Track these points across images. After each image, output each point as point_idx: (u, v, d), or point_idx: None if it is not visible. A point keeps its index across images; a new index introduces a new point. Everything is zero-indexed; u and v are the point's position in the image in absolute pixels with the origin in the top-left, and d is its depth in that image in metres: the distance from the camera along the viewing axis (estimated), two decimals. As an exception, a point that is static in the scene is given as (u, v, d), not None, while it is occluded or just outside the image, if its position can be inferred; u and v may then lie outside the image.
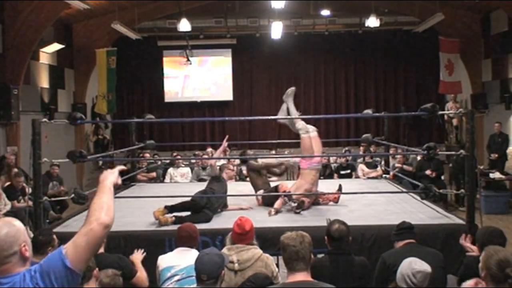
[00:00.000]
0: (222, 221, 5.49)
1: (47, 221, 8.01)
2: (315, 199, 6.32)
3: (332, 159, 11.53)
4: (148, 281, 4.22)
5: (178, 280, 3.79)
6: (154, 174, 10.37)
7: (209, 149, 12.30)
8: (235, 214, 5.19)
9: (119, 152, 12.17)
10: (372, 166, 10.04)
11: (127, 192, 7.85)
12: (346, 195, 6.61)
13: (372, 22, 12.81)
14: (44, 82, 12.37)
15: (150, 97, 17.00)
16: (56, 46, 12.34)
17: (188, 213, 5.59)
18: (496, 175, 10.56)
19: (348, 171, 10.68)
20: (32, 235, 4.02)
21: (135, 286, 4.07)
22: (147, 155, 10.77)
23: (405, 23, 14.90)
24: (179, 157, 11.28)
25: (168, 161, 11.28)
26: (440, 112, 7.50)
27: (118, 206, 6.64)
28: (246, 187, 7.26)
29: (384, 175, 9.38)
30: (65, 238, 4.26)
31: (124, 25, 12.60)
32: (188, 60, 15.07)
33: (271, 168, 7.04)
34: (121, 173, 2.37)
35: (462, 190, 5.69)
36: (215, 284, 3.04)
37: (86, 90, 14.32)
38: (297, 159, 6.92)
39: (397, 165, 10.19)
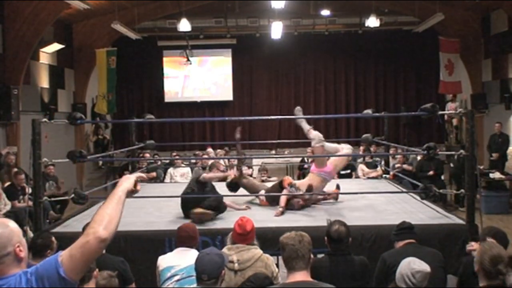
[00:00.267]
0: (222, 221, 5.49)
1: (47, 221, 8.01)
2: (314, 201, 6.31)
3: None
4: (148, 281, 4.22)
5: (178, 280, 3.79)
6: (154, 174, 10.37)
7: (209, 149, 12.30)
8: (235, 215, 5.20)
9: (119, 152, 12.19)
10: (372, 166, 10.03)
11: (127, 192, 7.84)
12: (346, 195, 6.61)
13: (372, 22, 12.82)
14: (44, 82, 12.37)
15: (150, 97, 17.00)
16: (56, 46, 12.35)
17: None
18: (496, 175, 10.56)
19: (348, 171, 10.65)
20: (32, 235, 4.02)
21: None
22: (147, 155, 10.76)
23: (405, 23, 14.90)
24: (178, 157, 11.27)
25: (168, 161, 11.27)
26: (440, 112, 7.49)
27: (118, 206, 6.63)
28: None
29: (384, 175, 9.38)
30: (65, 238, 4.29)
31: (124, 25, 12.60)
32: (188, 60, 15.06)
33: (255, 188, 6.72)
34: (122, 171, 2.36)
35: (462, 190, 5.68)
36: (215, 284, 3.04)
37: (86, 90, 14.32)
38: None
39: (398, 165, 10.19)
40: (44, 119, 6.01)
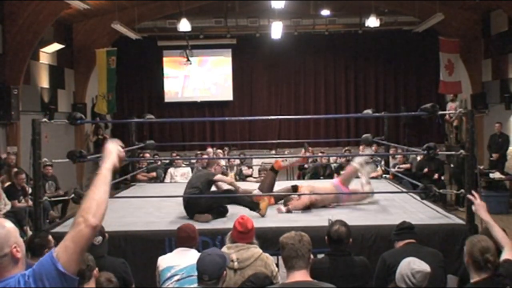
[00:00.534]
0: (222, 221, 5.49)
1: (47, 221, 8.02)
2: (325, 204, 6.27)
3: (332, 159, 11.53)
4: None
5: (178, 280, 3.80)
6: (154, 174, 10.38)
7: (209, 149, 12.30)
8: (235, 215, 5.20)
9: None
10: (372, 166, 10.02)
11: (127, 192, 7.86)
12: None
13: (372, 22, 12.81)
14: (44, 82, 12.37)
15: (150, 97, 17.00)
16: (56, 46, 12.34)
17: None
18: (496, 175, 10.56)
19: (348, 171, 10.65)
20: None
21: None
22: (147, 155, 10.77)
23: (405, 23, 14.89)
24: (178, 157, 11.27)
25: (168, 161, 11.28)
26: (440, 112, 7.49)
27: (118, 206, 6.68)
28: (246, 187, 7.24)
29: (384, 175, 9.38)
30: (65, 238, 4.29)
31: (124, 25, 12.60)
32: (188, 60, 15.06)
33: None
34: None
35: (462, 190, 5.68)
36: (216, 285, 3.04)
37: (86, 90, 14.32)
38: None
39: (401, 166, 10.16)
40: (44, 119, 6.02)
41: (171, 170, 10.54)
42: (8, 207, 8.24)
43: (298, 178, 11.77)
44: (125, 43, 14.80)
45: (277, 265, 3.97)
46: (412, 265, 3.14)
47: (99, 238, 3.93)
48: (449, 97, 14.91)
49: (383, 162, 9.28)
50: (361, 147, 11.55)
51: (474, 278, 3.03)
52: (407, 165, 10.29)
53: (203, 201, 5.63)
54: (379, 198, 6.63)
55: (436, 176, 9.92)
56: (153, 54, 16.28)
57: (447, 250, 4.75)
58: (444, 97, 15.55)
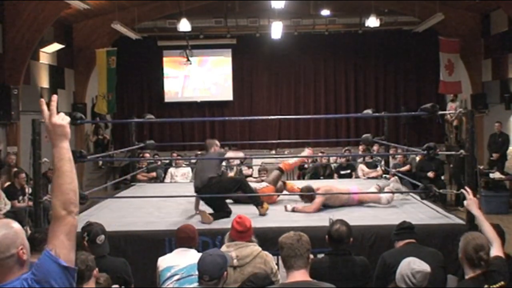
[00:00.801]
0: (221, 221, 5.49)
1: (47, 221, 8.01)
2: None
3: (332, 159, 11.53)
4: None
5: (178, 279, 3.81)
6: (154, 174, 10.38)
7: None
8: (234, 215, 5.20)
9: (119, 152, 12.18)
10: (372, 166, 10.03)
11: (127, 192, 7.86)
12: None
13: (372, 22, 12.81)
14: (44, 82, 12.37)
15: (150, 97, 16.99)
16: (56, 46, 12.35)
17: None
18: (496, 175, 10.56)
19: (348, 171, 10.67)
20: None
21: None
22: (147, 155, 10.77)
23: (405, 23, 14.90)
24: (179, 157, 11.27)
25: (168, 161, 11.28)
26: (440, 112, 7.49)
27: (118, 206, 6.69)
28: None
29: (384, 175, 9.38)
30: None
31: (124, 25, 12.60)
32: (188, 60, 15.06)
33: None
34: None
35: (462, 190, 5.68)
36: (217, 285, 3.04)
37: (86, 90, 14.32)
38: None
39: (403, 168, 10.14)
40: (43, 120, 6.02)
41: (171, 170, 10.54)
42: (8, 207, 8.25)
43: (298, 178, 11.77)
44: (125, 43, 14.80)
45: (277, 265, 3.97)
46: (412, 265, 3.14)
47: (102, 237, 3.93)
48: (449, 97, 14.90)
49: (383, 162, 9.27)
50: (360, 147, 11.57)
51: (469, 274, 3.12)
52: (407, 167, 10.27)
53: (214, 182, 5.64)
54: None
55: (431, 174, 9.86)
56: (153, 54, 16.27)
57: (447, 250, 4.74)
58: (444, 97, 15.54)
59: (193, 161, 11.16)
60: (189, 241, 4.06)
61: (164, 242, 4.96)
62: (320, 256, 3.96)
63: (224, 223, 5.28)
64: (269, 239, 4.63)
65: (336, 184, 7.11)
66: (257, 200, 5.85)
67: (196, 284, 3.23)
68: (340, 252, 3.79)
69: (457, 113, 9.72)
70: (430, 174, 9.79)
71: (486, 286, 3.06)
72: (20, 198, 8.52)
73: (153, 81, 16.70)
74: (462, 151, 5.55)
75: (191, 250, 4.01)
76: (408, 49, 16.28)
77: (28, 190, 7.66)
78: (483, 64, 13.62)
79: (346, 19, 15.05)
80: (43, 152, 5.52)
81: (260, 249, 3.86)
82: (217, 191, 5.61)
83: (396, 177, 6.91)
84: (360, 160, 10.94)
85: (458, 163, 9.71)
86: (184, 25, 12.66)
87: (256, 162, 11.67)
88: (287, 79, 16.90)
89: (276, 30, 13.65)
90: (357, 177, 10.07)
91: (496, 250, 3.30)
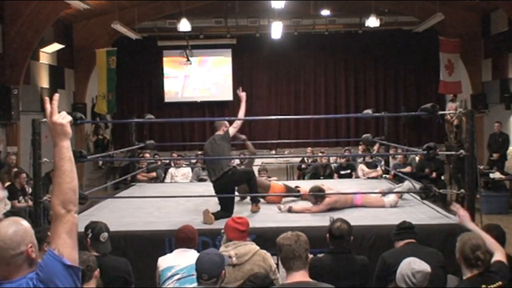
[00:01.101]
0: (222, 221, 5.47)
1: (47, 221, 8.01)
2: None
3: (332, 159, 11.53)
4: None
5: (179, 279, 3.81)
6: (154, 174, 10.37)
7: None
8: (234, 214, 5.21)
9: (119, 152, 12.18)
10: (372, 166, 10.03)
11: (127, 192, 7.86)
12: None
13: (372, 22, 12.81)
14: (44, 82, 12.37)
15: (150, 97, 17.00)
16: (56, 46, 12.35)
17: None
18: (496, 175, 10.56)
19: (348, 171, 10.67)
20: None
21: None
22: (147, 155, 10.77)
23: (405, 23, 14.89)
24: (179, 157, 11.27)
25: (168, 161, 11.28)
26: (440, 112, 7.49)
27: (118, 206, 6.68)
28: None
29: (384, 175, 9.38)
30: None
31: (124, 25, 12.60)
32: (188, 60, 15.06)
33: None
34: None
35: (462, 190, 5.68)
36: (215, 284, 3.05)
37: (86, 90, 14.32)
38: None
39: (401, 170, 10.12)
40: (44, 119, 6.01)
41: (172, 170, 10.54)
42: (8, 207, 8.24)
43: (298, 178, 11.78)
44: (125, 43, 14.80)
45: (277, 265, 3.98)
46: (413, 265, 3.14)
47: (105, 234, 3.94)
48: (449, 97, 14.90)
49: (383, 162, 9.28)
50: (360, 147, 11.57)
51: (467, 274, 3.14)
52: (408, 169, 10.25)
53: (230, 174, 5.73)
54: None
55: (434, 175, 9.89)
56: (153, 54, 16.28)
57: (447, 250, 4.74)
58: (444, 97, 15.54)
59: (193, 161, 11.18)
60: (188, 241, 4.06)
61: (164, 242, 4.96)
62: (321, 255, 3.96)
63: (224, 224, 5.28)
64: (269, 239, 4.62)
65: (338, 185, 7.10)
66: (256, 196, 5.89)
67: (196, 284, 3.23)
68: (341, 250, 3.80)
69: (457, 113, 9.72)
70: (427, 171, 9.79)
71: (484, 286, 3.06)
72: (20, 198, 8.51)
73: (153, 81, 16.71)
74: (462, 151, 5.56)
75: (191, 250, 4.01)
76: (408, 49, 16.28)
77: (28, 190, 7.66)
78: (483, 64, 13.62)
79: (346, 19, 15.05)
80: (43, 152, 5.53)
81: (258, 247, 3.88)
82: (230, 183, 5.78)
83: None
84: (360, 160, 10.94)
85: (458, 163, 9.70)
86: (184, 25, 12.66)
87: (256, 162, 11.66)
88: (287, 79, 16.90)
89: (276, 30, 13.65)
90: (357, 177, 10.06)
91: (499, 256, 3.31)
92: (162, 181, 10.44)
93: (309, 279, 2.93)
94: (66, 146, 2.00)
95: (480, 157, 11.94)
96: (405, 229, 4.11)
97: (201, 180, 10.02)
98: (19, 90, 10.26)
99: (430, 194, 5.65)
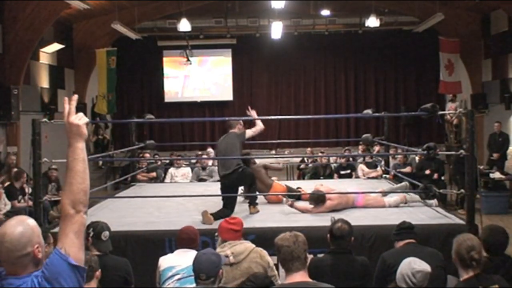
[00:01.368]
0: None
1: (47, 221, 8.02)
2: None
3: (332, 159, 11.53)
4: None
5: (179, 279, 3.82)
6: (154, 174, 10.37)
7: (209, 149, 12.30)
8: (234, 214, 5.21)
9: (119, 152, 12.18)
10: (372, 166, 10.03)
11: (127, 192, 7.86)
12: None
13: (372, 22, 12.81)
14: (44, 82, 12.37)
15: (150, 97, 16.99)
16: (56, 46, 12.34)
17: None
18: (496, 175, 10.55)
19: (348, 171, 10.67)
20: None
21: None
22: (147, 155, 10.77)
23: (405, 23, 14.89)
24: (179, 157, 11.26)
25: (168, 161, 11.27)
26: (440, 112, 7.50)
27: (118, 206, 6.68)
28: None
29: (384, 175, 9.38)
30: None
31: (124, 25, 12.60)
32: (188, 60, 15.06)
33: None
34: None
35: (462, 190, 5.68)
36: (213, 284, 3.05)
37: (86, 90, 14.32)
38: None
39: (402, 170, 10.13)
40: (44, 119, 6.03)
41: (172, 170, 10.53)
42: (8, 207, 8.24)
43: (298, 178, 11.78)
44: (125, 43, 14.79)
45: (276, 265, 3.98)
46: (413, 265, 3.14)
47: (107, 233, 3.95)
48: (449, 97, 14.90)
49: (383, 162, 9.28)
50: (360, 147, 11.57)
51: (463, 275, 3.15)
52: (408, 169, 10.24)
53: (240, 171, 5.79)
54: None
55: (436, 176, 9.90)
56: (153, 54, 16.27)
57: (447, 250, 4.72)
58: (444, 97, 15.54)
59: (193, 161, 11.18)
60: (190, 242, 4.07)
61: (164, 242, 4.97)
62: (321, 255, 3.96)
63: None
64: (268, 239, 4.62)
65: (338, 185, 7.10)
66: (254, 199, 5.91)
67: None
68: (341, 250, 3.80)
69: (457, 113, 9.72)
70: (429, 172, 9.79)
71: (480, 287, 3.07)
72: (20, 198, 8.51)
73: (153, 81, 16.70)
74: (462, 151, 5.56)
75: (192, 250, 4.01)
76: (408, 49, 16.28)
77: (28, 190, 7.65)
78: (483, 64, 13.62)
79: (346, 19, 15.06)
80: (43, 152, 5.53)
81: (253, 245, 3.91)
82: (238, 180, 5.85)
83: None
84: (360, 160, 10.94)
85: (458, 163, 9.70)
86: (184, 25, 12.66)
87: (256, 162, 11.65)
88: (287, 79, 16.90)
89: (276, 30, 13.65)
90: (357, 177, 10.06)
91: None
92: (162, 181, 10.43)
93: (308, 279, 2.93)
94: (80, 147, 2.03)
95: (480, 157, 11.94)
96: (405, 229, 4.11)
97: (201, 180, 10.02)
98: (19, 90, 10.26)
99: (430, 194, 5.65)
